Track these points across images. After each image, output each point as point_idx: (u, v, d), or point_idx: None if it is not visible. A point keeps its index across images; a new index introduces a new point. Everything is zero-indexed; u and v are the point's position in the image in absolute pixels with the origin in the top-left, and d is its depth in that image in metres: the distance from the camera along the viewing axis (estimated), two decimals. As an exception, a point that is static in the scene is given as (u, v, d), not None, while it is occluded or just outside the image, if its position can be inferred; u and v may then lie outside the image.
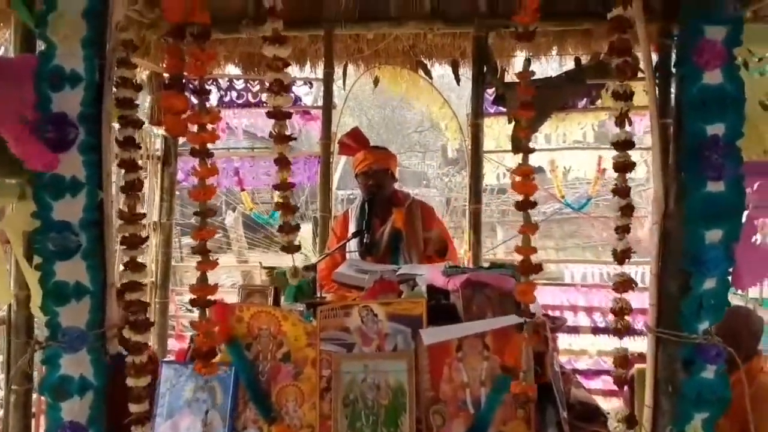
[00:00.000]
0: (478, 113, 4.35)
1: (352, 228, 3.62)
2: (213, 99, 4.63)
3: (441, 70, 4.95)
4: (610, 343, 4.65)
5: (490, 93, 4.48)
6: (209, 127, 1.85)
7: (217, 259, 1.98)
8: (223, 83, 4.74)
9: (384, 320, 2.19)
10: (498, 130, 4.82)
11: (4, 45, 3.64)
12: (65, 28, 1.62)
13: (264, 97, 4.58)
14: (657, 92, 1.85)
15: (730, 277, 1.71)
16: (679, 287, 1.72)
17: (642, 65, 1.80)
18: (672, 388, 1.73)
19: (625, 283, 2.00)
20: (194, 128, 1.85)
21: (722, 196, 1.64)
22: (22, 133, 1.67)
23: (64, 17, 1.63)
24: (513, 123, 3.76)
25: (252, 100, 4.69)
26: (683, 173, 1.68)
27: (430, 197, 14.12)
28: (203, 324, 1.95)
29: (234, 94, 4.70)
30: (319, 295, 2.92)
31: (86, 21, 1.68)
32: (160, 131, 4.46)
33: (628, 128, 1.87)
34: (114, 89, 1.87)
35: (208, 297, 1.98)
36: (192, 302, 1.98)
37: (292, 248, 2.26)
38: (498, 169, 4.84)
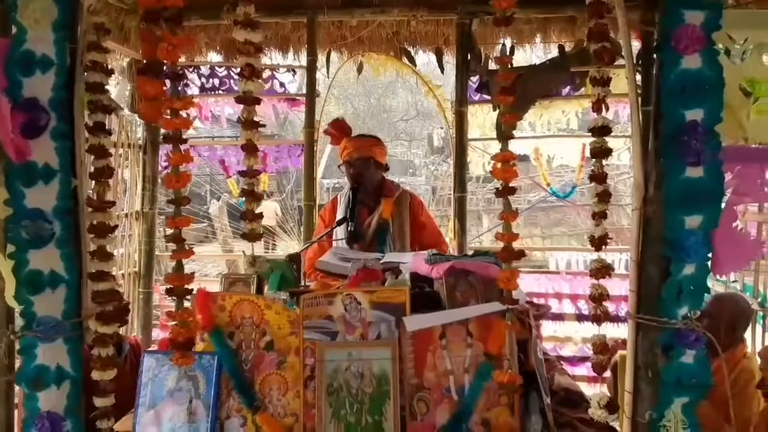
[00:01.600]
0: (462, 101, 4.34)
1: (339, 215, 3.62)
2: (195, 86, 4.59)
3: (425, 58, 4.93)
4: (594, 330, 4.68)
5: (474, 80, 4.47)
6: (183, 113, 1.82)
7: (193, 247, 1.95)
8: (205, 70, 4.70)
9: (367, 308, 2.19)
10: (483, 118, 4.81)
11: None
12: (36, 11, 1.59)
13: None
14: (637, 79, 1.85)
15: (709, 263, 1.72)
16: (659, 273, 1.73)
17: (622, 51, 1.80)
18: (651, 373, 1.74)
19: (602, 269, 2.01)
20: (168, 114, 1.82)
21: (701, 181, 1.64)
22: None
23: (35, 1, 1.60)
24: (497, 110, 3.76)
25: (235, 87, 4.65)
26: (662, 159, 1.68)
27: (416, 185, 14.15)
28: (180, 314, 1.92)
29: (216, 81, 4.66)
30: (303, 283, 2.91)
31: (57, 4, 1.64)
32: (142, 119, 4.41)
33: (605, 114, 1.87)
34: (84, 73, 1.84)
35: (185, 286, 1.95)
36: (168, 292, 1.95)
37: (254, 236, 2.24)
38: (483, 157, 4.83)
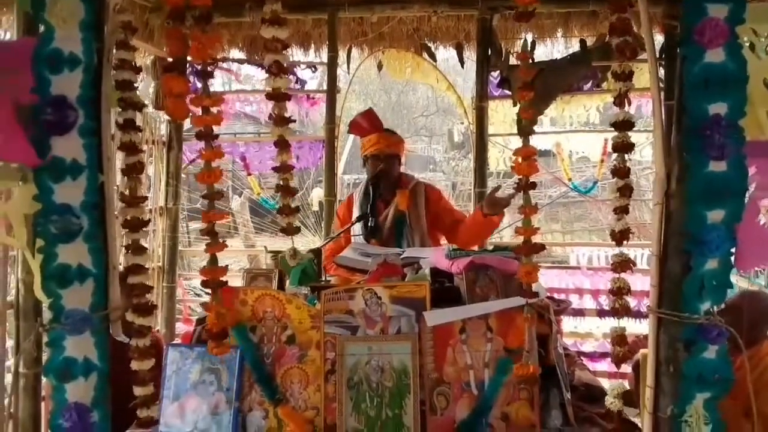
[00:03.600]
0: (482, 96, 4.33)
1: (356, 212, 3.62)
2: (218, 83, 4.64)
3: (445, 53, 4.92)
4: (615, 324, 4.65)
5: (495, 76, 4.46)
6: (214, 109, 1.85)
7: (224, 241, 1.99)
8: (232, 67, 4.72)
9: (387, 303, 2.20)
10: (504, 114, 4.80)
11: (8, 30, 3.66)
12: (63, 10, 1.62)
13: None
14: (660, 73, 1.84)
15: (732, 258, 1.70)
16: (680, 268, 1.71)
17: (645, 45, 1.78)
18: (673, 369, 1.73)
19: (623, 264, 2.00)
20: (198, 111, 1.85)
21: (724, 176, 1.62)
22: (8, 124, 1.67)
23: (62, 0, 1.63)
24: (518, 106, 3.73)
25: (256, 85, 4.69)
26: (685, 153, 1.67)
27: (436, 181, 14.12)
28: (215, 305, 1.96)
29: (241, 77, 4.69)
30: (323, 278, 2.93)
31: (84, 4, 1.67)
32: (166, 116, 4.46)
33: (627, 108, 1.86)
34: (113, 71, 1.87)
35: (219, 278, 1.99)
36: (203, 284, 2.00)
37: (291, 230, 2.27)
38: (503, 153, 4.82)
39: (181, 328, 4.91)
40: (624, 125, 1.87)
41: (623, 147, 1.88)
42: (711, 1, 1.59)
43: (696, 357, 1.69)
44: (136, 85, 1.91)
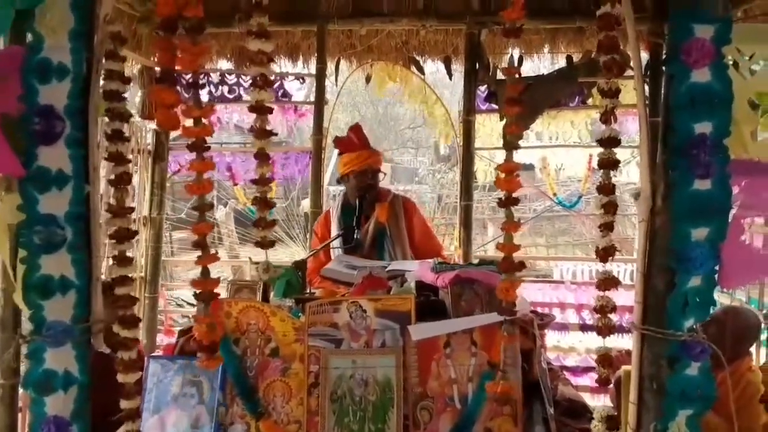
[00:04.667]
0: (470, 110, 4.35)
1: (334, 228, 3.60)
2: (203, 94, 4.61)
3: (433, 67, 4.95)
4: (598, 340, 4.68)
5: (482, 90, 4.49)
6: (204, 120, 1.85)
7: (216, 253, 1.98)
8: (215, 77, 4.72)
9: (372, 316, 2.20)
10: (490, 128, 4.83)
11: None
12: (53, 20, 1.61)
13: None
14: (646, 90, 1.86)
15: (716, 276, 1.72)
16: (664, 285, 1.73)
17: (631, 63, 1.81)
18: (656, 385, 1.74)
19: (608, 281, 2.01)
20: (188, 122, 1.85)
21: (709, 194, 1.65)
22: None
23: (52, 9, 1.62)
24: (504, 120, 3.76)
25: (244, 95, 4.67)
26: (671, 171, 1.69)
27: (422, 193, 14.16)
28: (206, 318, 1.94)
29: (225, 88, 4.68)
30: (308, 291, 2.91)
31: (74, 13, 1.67)
32: (152, 125, 4.43)
33: (614, 125, 1.88)
34: (102, 81, 1.86)
35: (211, 290, 1.98)
36: (195, 296, 1.98)
37: (266, 244, 2.26)
38: (490, 166, 4.84)
39: (161, 339, 4.86)
40: (610, 142, 1.89)
41: (609, 164, 1.90)
42: (698, 21, 1.62)
43: (679, 374, 1.70)
44: (125, 95, 1.90)
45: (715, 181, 1.64)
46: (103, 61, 1.83)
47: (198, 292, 1.98)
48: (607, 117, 1.86)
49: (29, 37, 1.66)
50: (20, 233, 1.70)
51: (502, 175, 1.93)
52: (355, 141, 3.59)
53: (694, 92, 1.62)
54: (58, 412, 1.72)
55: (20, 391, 2.84)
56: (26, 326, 1.77)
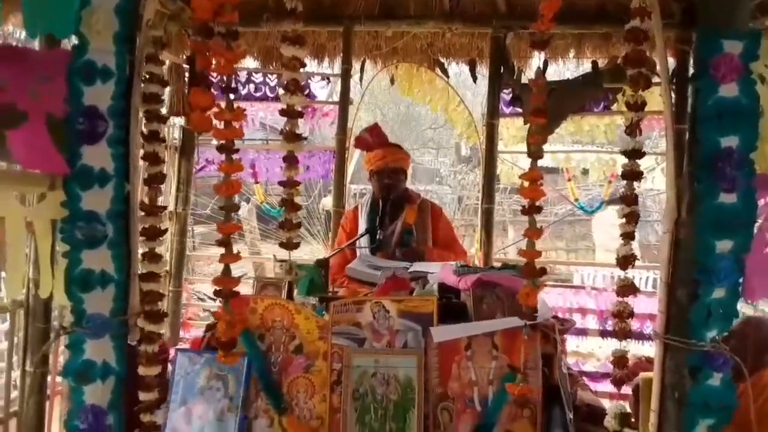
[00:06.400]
0: (493, 113, 4.36)
1: (361, 224, 3.64)
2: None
3: (456, 68, 4.96)
4: (618, 346, 4.66)
5: (506, 93, 4.49)
6: (235, 124, 1.89)
7: (239, 252, 2.02)
8: (242, 76, 4.77)
9: (395, 317, 2.22)
10: (514, 130, 4.83)
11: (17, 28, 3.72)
12: (98, 24, 1.66)
13: (282, 91, 4.63)
14: (673, 101, 1.87)
15: (740, 288, 1.73)
16: (688, 295, 1.74)
17: (659, 73, 1.82)
18: (678, 395, 1.76)
19: (627, 288, 2.03)
20: (220, 124, 1.89)
21: (734, 207, 1.66)
22: (40, 134, 1.71)
23: (98, 13, 1.67)
24: (528, 124, 3.77)
25: (270, 94, 4.72)
26: (696, 183, 1.70)
27: (442, 194, 14.12)
28: (226, 315, 1.99)
29: (252, 87, 4.73)
30: (330, 289, 2.95)
31: (118, 17, 1.72)
32: (179, 121, 4.50)
33: (639, 137, 1.89)
34: (141, 84, 1.91)
35: (232, 288, 2.02)
36: (216, 293, 2.02)
37: (291, 245, 2.29)
38: (513, 169, 4.85)
39: (181, 332, 4.92)
40: (634, 154, 1.90)
41: (632, 175, 1.91)
42: (726, 37, 1.63)
43: (702, 384, 1.71)
44: (163, 98, 1.95)
45: (741, 194, 1.65)
46: (144, 63, 1.88)
47: (218, 289, 2.02)
48: (632, 129, 1.88)
49: (74, 39, 1.71)
50: (62, 229, 1.76)
51: (526, 184, 1.94)
52: (370, 141, 3.64)
53: (721, 106, 1.63)
54: (96, 401, 1.78)
55: (48, 379, 2.93)
56: (59, 317, 1.83)
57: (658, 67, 1.83)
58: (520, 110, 4.47)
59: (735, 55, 1.62)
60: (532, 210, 1.96)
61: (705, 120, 1.66)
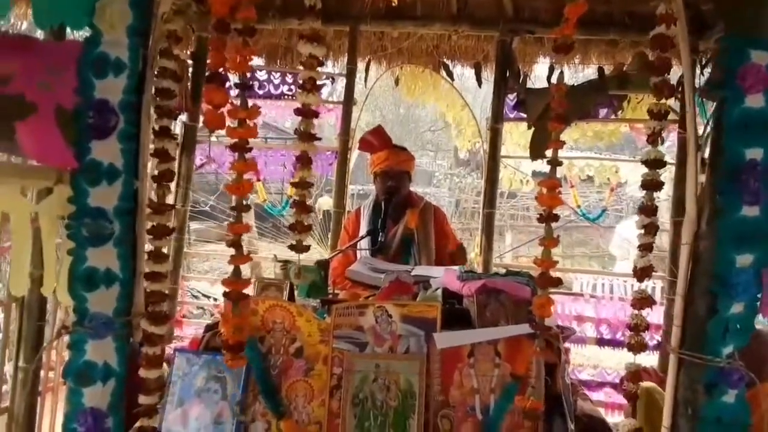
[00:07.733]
0: (498, 117, 4.34)
1: (364, 226, 3.62)
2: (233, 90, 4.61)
3: (460, 71, 4.95)
4: (614, 354, 4.67)
5: (511, 98, 4.47)
6: (249, 122, 1.85)
7: (249, 253, 1.98)
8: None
9: (398, 321, 2.19)
10: (517, 136, 4.82)
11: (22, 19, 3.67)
12: (112, 16, 1.63)
13: (285, 89, 4.61)
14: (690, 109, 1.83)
15: (758, 304, 1.70)
16: (705, 309, 1.71)
17: (684, 81, 1.79)
18: (692, 410, 1.73)
19: (643, 300, 2.00)
20: (234, 123, 1.85)
21: (756, 221, 1.63)
22: (49, 127, 1.67)
23: (112, 5, 1.64)
24: (532, 129, 3.75)
25: (273, 92, 4.69)
26: (718, 195, 1.67)
27: (439, 197, 14.12)
28: (233, 318, 1.95)
29: (256, 84, 4.69)
30: (331, 291, 2.92)
31: (133, 10, 1.69)
32: (181, 117, 4.45)
33: (660, 147, 1.87)
34: (154, 79, 1.87)
35: (241, 291, 1.98)
36: (225, 295, 1.99)
37: (301, 248, 2.26)
38: (515, 174, 4.83)
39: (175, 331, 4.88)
40: (655, 164, 1.87)
41: (653, 185, 1.88)
42: (754, 47, 1.61)
43: (716, 400, 1.68)
44: (175, 93, 1.91)
45: (764, 208, 1.62)
46: (158, 58, 1.84)
47: (228, 291, 1.98)
48: (654, 138, 1.85)
49: (88, 31, 1.68)
50: (69, 225, 1.72)
51: (544, 191, 1.91)
52: (374, 142, 3.62)
53: (747, 117, 1.61)
54: (96, 403, 1.73)
55: (41, 375, 2.89)
56: (53, 314, 1.79)
57: (684, 80, 1.80)
58: (524, 115, 4.44)
59: (762, 66, 1.60)
60: (549, 218, 1.92)
61: (730, 130, 1.63)
